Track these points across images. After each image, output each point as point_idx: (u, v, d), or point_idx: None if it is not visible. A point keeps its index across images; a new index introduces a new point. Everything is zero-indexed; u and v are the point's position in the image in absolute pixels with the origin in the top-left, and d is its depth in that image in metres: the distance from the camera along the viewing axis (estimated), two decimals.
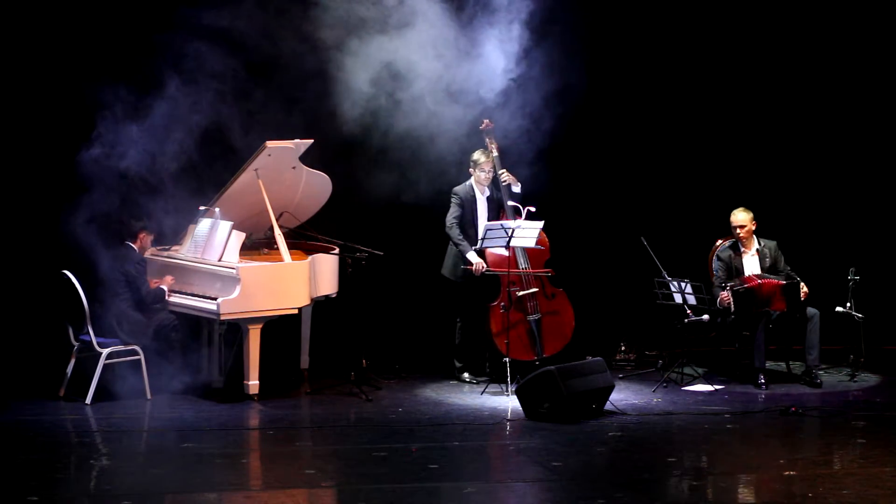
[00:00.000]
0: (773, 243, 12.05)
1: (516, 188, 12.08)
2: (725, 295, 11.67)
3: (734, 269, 11.92)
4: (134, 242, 11.30)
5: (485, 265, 11.77)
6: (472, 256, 11.78)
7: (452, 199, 12.00)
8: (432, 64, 12.18)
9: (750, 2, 13.34)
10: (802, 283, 11.73)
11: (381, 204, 12.65)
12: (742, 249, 11.98)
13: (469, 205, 11.98)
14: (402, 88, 12.26)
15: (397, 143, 12.40)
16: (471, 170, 12.03)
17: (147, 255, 11.56)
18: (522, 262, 11.95)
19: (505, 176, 12.05)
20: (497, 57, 12.30)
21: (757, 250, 12.00)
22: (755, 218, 12.00)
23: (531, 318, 11.92)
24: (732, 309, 11.67)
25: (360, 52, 12.18)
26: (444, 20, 12.22)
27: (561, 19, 12.58)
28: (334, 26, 12.05)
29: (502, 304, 11.73)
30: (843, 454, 9.90)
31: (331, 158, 12.23)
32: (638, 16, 13.21)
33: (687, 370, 11.87)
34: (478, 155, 12.00)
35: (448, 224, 11.92)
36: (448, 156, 12.31)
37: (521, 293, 11.90)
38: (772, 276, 11.79)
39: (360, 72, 12.12)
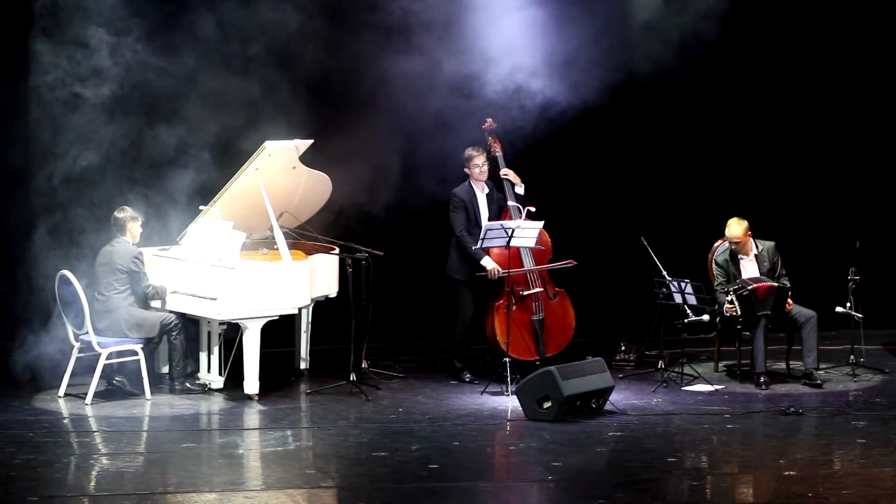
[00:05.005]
0: (770, 244, 12.00)
1: (520, 189, 12.04)
2: (730, 305, 11.63)
3: (732, 275, 11.90)
4: (124, 235, 11.27)
5: (500, 269, 11.74)
6: (486, 262, 11.74)
7: (454, 203, 11.93)
8: (433, 60, 12.25)
9: (748, 3, 13.32)
10: (790, 299, 11.73)
11: (381, 203, 12.66)
12: (740, 256, 11.96)
13: (471, 204, 11.95)
14: (402, 84, 12.32)
15: (397, 141, 12.43)
16: (465, 168, 11.99)
17: (149, 255, 11.56)
18: (527, 262, 11.95)
19: (510, 176, 12.02)
20: (499, 55, 12.33)
21: (755, 255, 11.97)
22: (753, 220, 11.96)
23: (535, 318, 11.92)
24: (739, 314, 11.63)
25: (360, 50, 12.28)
26: (446, 22, 12.29)
27: (561, 20, 12.59)
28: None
29: (507, 303, 11.74)
30: (843, 454, 9.89)
31: (331, 157, 12.25)
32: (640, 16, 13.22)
33: (687, 370, 11.86)
34: (469, 151, 11.95)
35: (458, 232, 11.82)
36: (449, 153, 12.34)
37: (527, 293, 11.90)
38: (767, 280, 11.77)
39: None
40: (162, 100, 12.25)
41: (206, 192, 11.83)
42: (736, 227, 11.84)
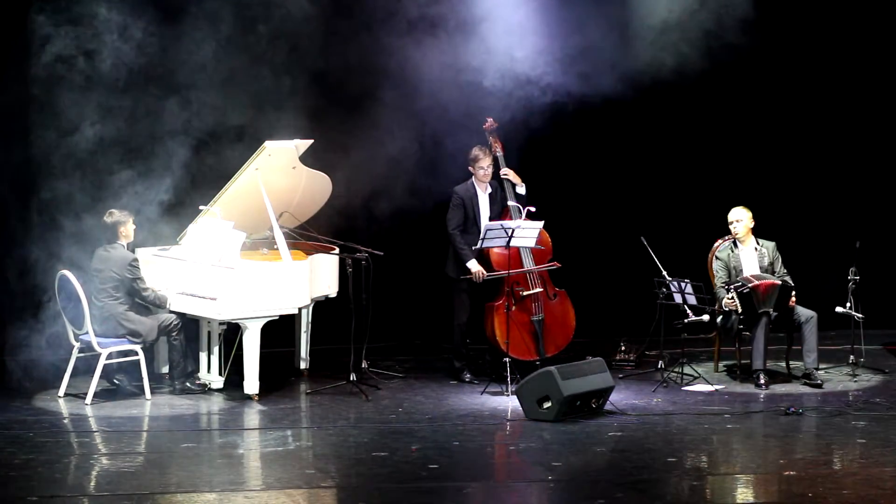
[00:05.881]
0: (771, 244, 12.03)
1: (521, 189, 12.03)
2: (730, 301, 11.62)
3: (733, 269, 11.91)
4: (118, 239, 11.24)
5: (485, 273, 11.73)
6: (472, 265, 11.74)
7: (453, 200, 11.93)
8: (436, 55, 12.27)
9: (747, 4, 13.34)
10: (793, 293, 11.74)
11: (382, 203, 12.66)
12: (740, 247, 11.96)
13: (470, 203, 11.93)
14: (404, 80, 12.34)
15: (398, 139, 12.44)
16: (470, 167, 11.99)
17: (149, 255, 11.55)
18: (527, 262, 11.94)
19: (511, 176, 12.01)
20: (499, 53, 12.34)
21: (755, 248, 11.98)
22: (753, 218, 11.97)
23: (535, 318, 11.92)
24: (739, 311, 11.64)
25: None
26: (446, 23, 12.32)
27: (559, 20, 12.60)
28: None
29: (506, 303, 11.73)
30: (843, 454, 9.90)
31: (331, 156, 12.25)
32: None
33: (687, 370, 11.86)
34: (475, 151, 11.93)
35: (450, 230, 11.84)
36: (450, 152, 12.34)
37: (526, 293, 11.89)
38: (770, 277, 11.78)
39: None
40: (166, 82, 12.22)
41: (206, 181, 11.85)
42: (739, 209, 11.89)
